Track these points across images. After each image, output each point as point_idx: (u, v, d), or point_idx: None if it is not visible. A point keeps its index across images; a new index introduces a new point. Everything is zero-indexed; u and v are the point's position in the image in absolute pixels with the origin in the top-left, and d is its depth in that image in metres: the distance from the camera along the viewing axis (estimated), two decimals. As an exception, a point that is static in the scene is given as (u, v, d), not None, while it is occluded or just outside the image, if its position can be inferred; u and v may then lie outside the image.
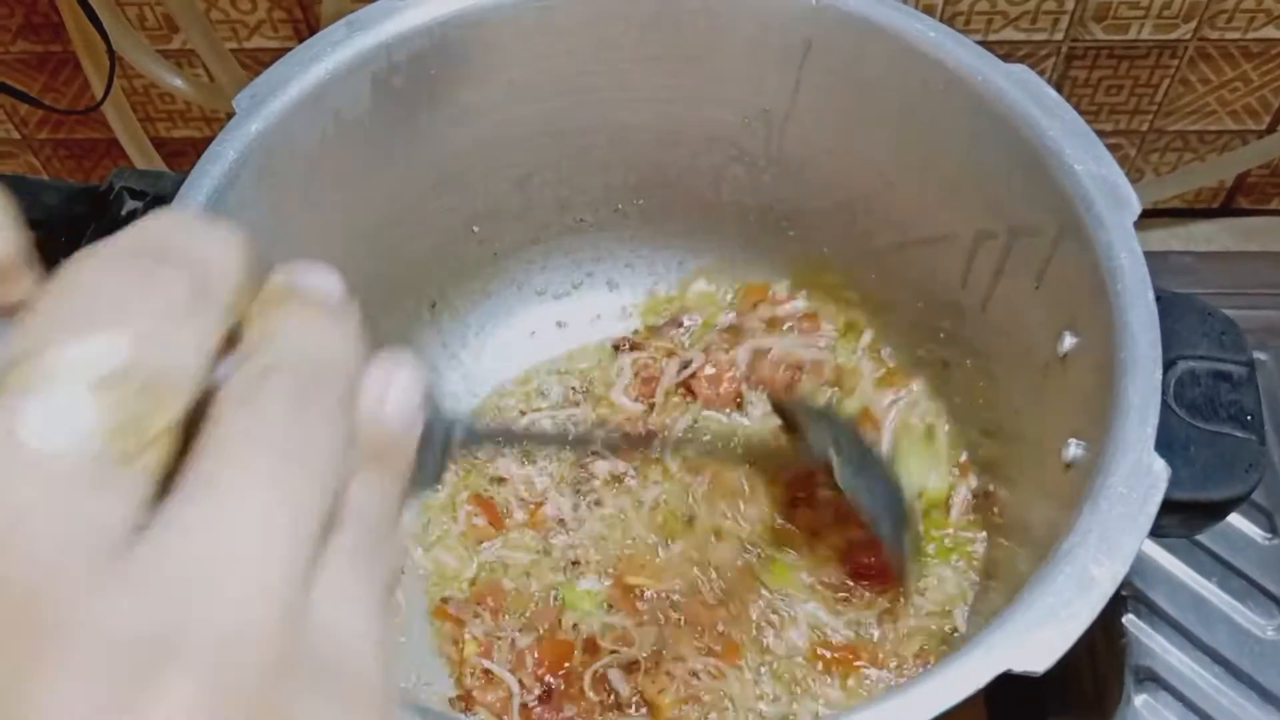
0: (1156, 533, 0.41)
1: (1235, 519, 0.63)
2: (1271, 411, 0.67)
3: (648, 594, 0.58)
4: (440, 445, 0.26)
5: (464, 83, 0.57)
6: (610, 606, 0.58)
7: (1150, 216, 0.78)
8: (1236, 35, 0.69)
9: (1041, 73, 0.67)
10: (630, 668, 0.56)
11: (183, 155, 0.79)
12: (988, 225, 0.54)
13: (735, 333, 0.66)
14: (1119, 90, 0.73)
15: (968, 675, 0.37)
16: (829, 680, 0.55)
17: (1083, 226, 0.47)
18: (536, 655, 0.56)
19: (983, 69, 0.52)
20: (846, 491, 0.51)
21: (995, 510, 0.57)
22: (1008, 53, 0.70)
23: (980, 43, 0.53)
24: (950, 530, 0.58)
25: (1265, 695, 0.58)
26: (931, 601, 0.57)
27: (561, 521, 0.61)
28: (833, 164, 0.61)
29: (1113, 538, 0.39)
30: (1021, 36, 0.69)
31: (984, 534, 0.58)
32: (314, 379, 0.20)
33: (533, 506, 0.62)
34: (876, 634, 0.56)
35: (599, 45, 0.58)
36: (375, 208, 0.58)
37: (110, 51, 0.67)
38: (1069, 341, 0.48)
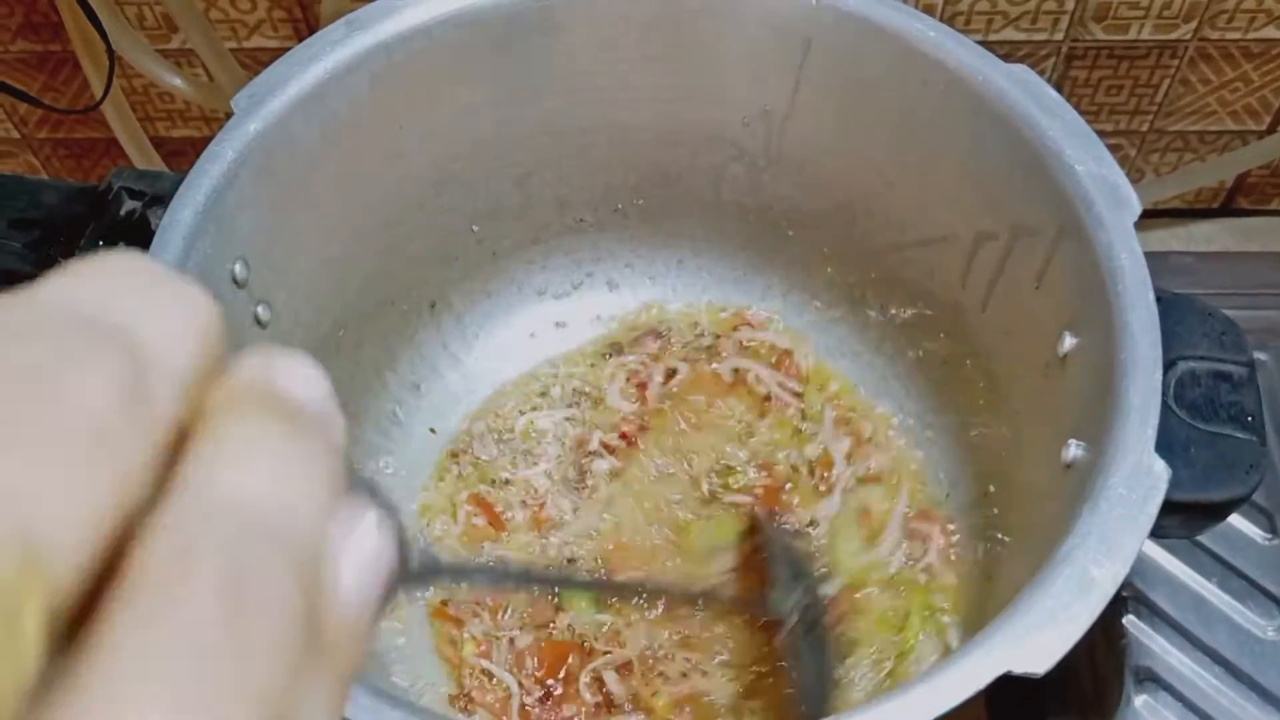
0: (1157, 534, 0.41)
1: (1235, 519, 0.63)
2: (1272, 412, 0.67)
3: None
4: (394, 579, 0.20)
5: (464, 82, 0.57)
6: (601, 604, 0.58)
7: (1150, 217, 0.78)
8: (1237, 35, 0.69)
9: (1041, 73, 0.67)
10: (624, 669, 0.56)
11: (182, 155, 0.79)
12: (988, 225, 0.54)
13: (712, 352, 0.67)
14: (1119, 90, 0.73)
15: (968, 676, 0.37)
16: None
17: (1083, 227, 0.47)
18: (536, 656, 0.56)
19: (983, 69, 0.52)
20: (786, 657, 0.51)
21: (995, 511, 0.57)
22: (1008, 53, 0.70)
23: (980, 43, 0.53)
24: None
25: (1265, 696, 0.58)
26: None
27: (561, 521, 0.61)
28: (832, 164, 0.61)
29: (1113, 539, 0.39)
30: (1022, 36, 0.69)
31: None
32: (268, 550, 0.14)
33: (535, 508, 0.62)
34: None
35: (599, 45, 0.58)
36: (375, 208, 0.58)
37: (109, 51, 0.67)
38: (1069, 342, 0.48)
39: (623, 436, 0.64)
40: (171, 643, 0.13)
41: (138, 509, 0.14)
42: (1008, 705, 0.55)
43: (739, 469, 0.63)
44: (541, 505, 0.62)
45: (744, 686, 0.55)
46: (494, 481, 0.63)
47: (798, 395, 0.65)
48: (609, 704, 0.55)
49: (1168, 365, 0.44)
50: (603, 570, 0.60)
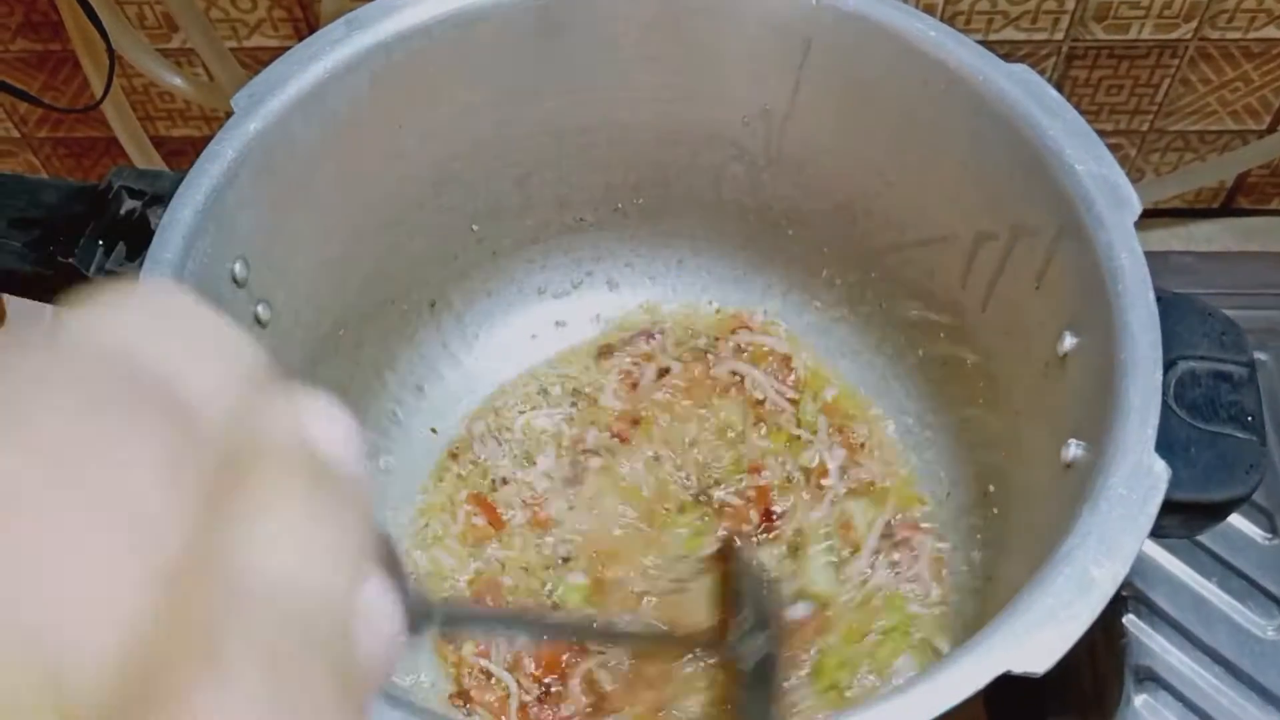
0: (1157, 533, 0.41)
1: (1235, 519, 0.63)
2: (1272, 412, 0.67)
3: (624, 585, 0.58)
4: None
5: (464, 82, 0.57)
6: (590, 600, 0.58)
7: (1151, 216, 0.78)
8: (1237, 35, 0.69)
9: (1042, 72, 0.67)
10: (616, 669, 0.56)
11: (182, 154, 0.79)
12: (988, 225, 0.54)
13: (709, 354, 0.67)
14: (1119, 90, 0.73)
15: (968, 676, 0.37)
16: None
17: (1083, 226, 0.47)
18: (534, 654, 0.56)
19: (983, 69, 0.52)
20: (737, 698, 0.51)
21: (995, 510, 0.57)
22: (1008, 52, 0.70)
23: (981, 42, 0.53)
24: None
25: (1265, 695, 0.58)
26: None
27: (560, 520, 0.61)
28: (832, 164, 0.61)
29: (1113, 539, 0.39)
30: (1022, 36, 0.69)
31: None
32: (302, 637, 0.14)
33: (534, 507, 0.62)
34: None
35: (599, 45, 0.58)
36: (375, 207, 0.58)
37: (110, 50, 0.67)
38: (1069, 342, 0.48)
39: (615, 434, 0.64)
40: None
41: (172, 577, 0.13)
42: (1007, 705, 0.55)
43: (728, 471, 0.63)
44: (541, 505, 0.62)
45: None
46: (494, 481, 0.63)
47: (793, 402, 0.65)
48: (606, 704, 0.55)
49: (1168, 365, 0.44)
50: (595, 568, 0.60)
